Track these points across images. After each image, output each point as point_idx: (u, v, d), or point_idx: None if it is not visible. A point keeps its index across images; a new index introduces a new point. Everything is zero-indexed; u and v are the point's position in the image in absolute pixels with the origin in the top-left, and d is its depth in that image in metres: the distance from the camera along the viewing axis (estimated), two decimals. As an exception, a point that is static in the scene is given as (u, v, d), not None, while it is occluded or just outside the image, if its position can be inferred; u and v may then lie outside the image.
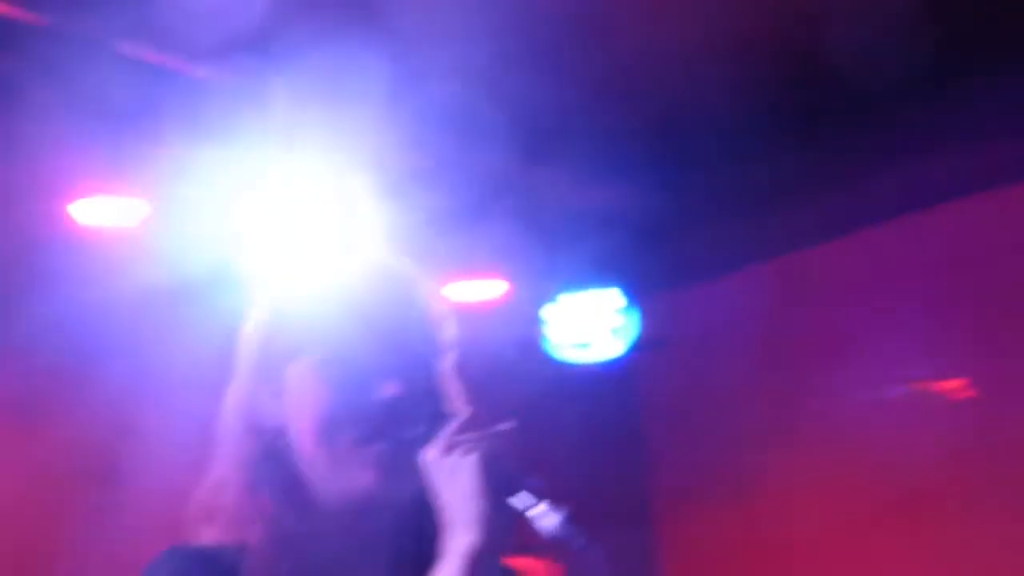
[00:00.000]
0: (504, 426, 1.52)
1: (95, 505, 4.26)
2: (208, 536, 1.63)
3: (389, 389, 1.58)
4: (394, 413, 1.58)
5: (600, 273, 5.04)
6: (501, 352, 4.32)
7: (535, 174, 4.73)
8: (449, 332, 1.68)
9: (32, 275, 4.14)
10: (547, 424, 3.87)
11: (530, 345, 5.01)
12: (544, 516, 1.45)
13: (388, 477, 1.58)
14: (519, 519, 1.47)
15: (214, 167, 4.01)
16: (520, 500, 1.46)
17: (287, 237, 4.01)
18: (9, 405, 4.34)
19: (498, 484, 1.47)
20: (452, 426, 1.53)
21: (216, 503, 1.64)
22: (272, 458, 1.64)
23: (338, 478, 1.60)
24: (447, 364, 1.67)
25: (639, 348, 5.12)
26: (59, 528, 4.26)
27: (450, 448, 1.51)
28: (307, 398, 1.62)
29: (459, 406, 1.62)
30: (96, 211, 4.00)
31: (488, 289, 4.85)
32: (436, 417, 1.56)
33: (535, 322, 5.06)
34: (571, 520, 1.44)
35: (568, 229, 4.86)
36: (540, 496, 1.46)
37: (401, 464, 1.57)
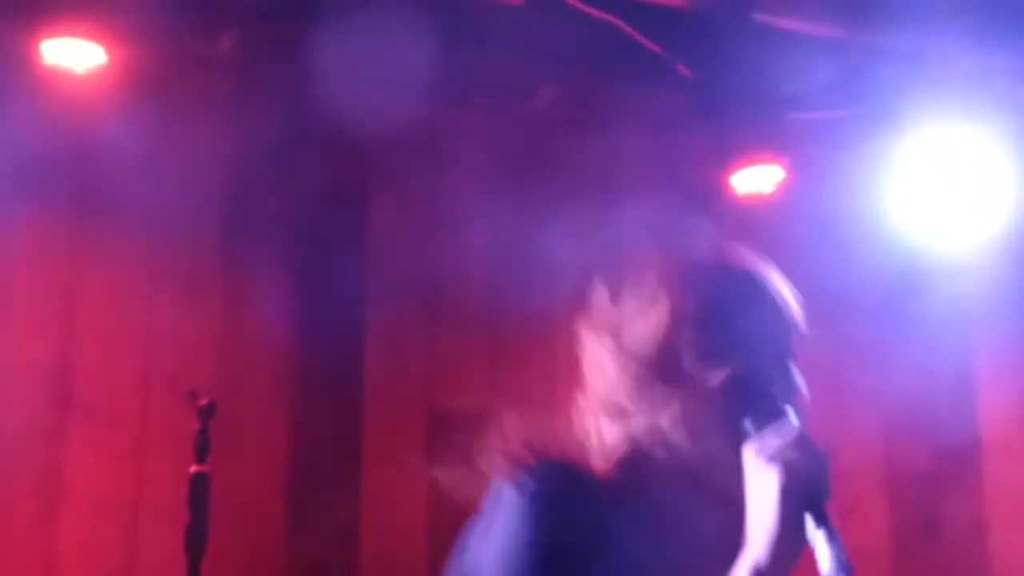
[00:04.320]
0: (816, 445, 1.40)
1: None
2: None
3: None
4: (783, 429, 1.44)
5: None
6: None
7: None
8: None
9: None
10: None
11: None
12: (825, 548, 1.34)
13: None
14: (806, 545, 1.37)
15: (852, 131, 4.08)
16: (811, 526, 1.36)
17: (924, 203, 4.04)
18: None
19: (798, 506, 1.36)
20: (775, 427, 1.43)
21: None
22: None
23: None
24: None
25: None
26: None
27: (765, 450, 1.40)
28: (704, 410, 1.50)
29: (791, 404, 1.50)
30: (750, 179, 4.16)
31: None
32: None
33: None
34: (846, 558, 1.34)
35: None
36: (828, 525, 1.35)
37: None
